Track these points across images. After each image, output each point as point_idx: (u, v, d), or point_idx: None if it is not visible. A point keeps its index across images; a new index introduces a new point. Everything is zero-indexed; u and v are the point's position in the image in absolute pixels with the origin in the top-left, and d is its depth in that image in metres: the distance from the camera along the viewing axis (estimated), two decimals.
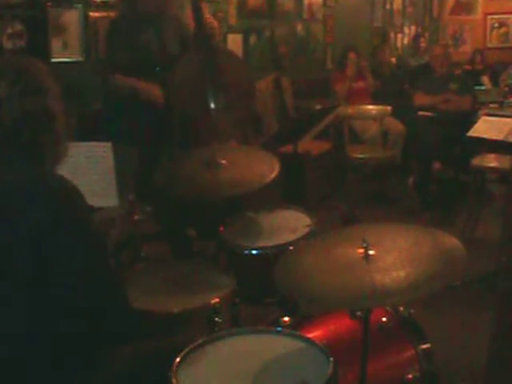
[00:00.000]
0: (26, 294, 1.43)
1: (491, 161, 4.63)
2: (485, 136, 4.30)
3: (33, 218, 1.43)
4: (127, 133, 3.00)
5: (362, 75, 6.09)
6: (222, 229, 2.50)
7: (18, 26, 3.26)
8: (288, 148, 3.07)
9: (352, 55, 6.08)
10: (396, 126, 5.68)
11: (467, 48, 9.71)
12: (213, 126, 3.11)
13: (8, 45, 3.19)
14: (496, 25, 9.85)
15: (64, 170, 1.58)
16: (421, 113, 5.77)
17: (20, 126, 1.48)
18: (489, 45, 9.80)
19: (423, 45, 8.10)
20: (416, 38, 8.47)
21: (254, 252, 2.35)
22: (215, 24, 3.23)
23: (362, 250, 1.66)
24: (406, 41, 9.05)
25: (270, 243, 2.36)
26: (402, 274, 1.57)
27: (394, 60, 7.12)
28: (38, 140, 1.52)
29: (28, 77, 1.50)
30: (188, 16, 3.31)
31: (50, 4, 3.46)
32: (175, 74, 3.11)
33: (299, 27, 6.38)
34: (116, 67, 3.07)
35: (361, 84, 6.08)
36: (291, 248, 2.23)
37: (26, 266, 1.42)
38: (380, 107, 5.55)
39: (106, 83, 3.16)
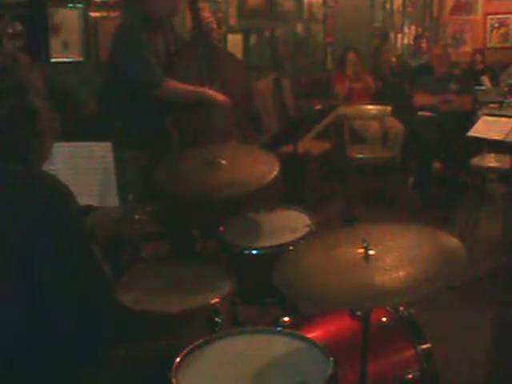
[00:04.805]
0: (18, 295, 1.41)
1: (491, 161, 4.63)
2: (485, 136, 4.31)
3: (22, 218, 1.40)
4: (126, 132, 2.99)
5: (362, 75, 6.09)
6: (221, 229, 2.50)
7: (18, 26, 3.26)
8: (288, 148, 3.06)
9: (352, 55, 6.09)
10: (396, 125, 5.68)
11: (467, 48, 9.71)
12: (212, 124, 3.11)
13: (8, 45, 3.19)
14: (496, 25, 9.85)
15: (64, 170, 1.58)
16: (421, 113, 5.78)
17: (3, 124, 1.44)
18: (489, 45, 9.80)
19: (424, 45, 8.10)
20: (417, 39, 8.47)
21: (253, 252, 2.35)
22: (214, 24, 3.21)
23: (362, 250, 1.66)
24: (406, 41, 9.05)
25: (270, 243, 2.37)
26: (401, 274, 1.56)
27: (394, 60, 7.13)
28: (22, 138, 1.48)
29: (9, 74, 1.46)
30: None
31: (50, 4, 3.46)
32: (174, 72, 3.10)
33: (299, 27, 6.38)
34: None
35: (361, 84, 6.08)
36: (291, 248, 2.23)
37: (16, 267, 1.39)
38: (380, 107, 5.55)
39: (154, 91, 2.94)
